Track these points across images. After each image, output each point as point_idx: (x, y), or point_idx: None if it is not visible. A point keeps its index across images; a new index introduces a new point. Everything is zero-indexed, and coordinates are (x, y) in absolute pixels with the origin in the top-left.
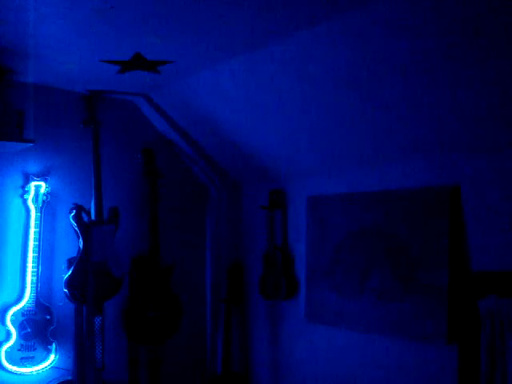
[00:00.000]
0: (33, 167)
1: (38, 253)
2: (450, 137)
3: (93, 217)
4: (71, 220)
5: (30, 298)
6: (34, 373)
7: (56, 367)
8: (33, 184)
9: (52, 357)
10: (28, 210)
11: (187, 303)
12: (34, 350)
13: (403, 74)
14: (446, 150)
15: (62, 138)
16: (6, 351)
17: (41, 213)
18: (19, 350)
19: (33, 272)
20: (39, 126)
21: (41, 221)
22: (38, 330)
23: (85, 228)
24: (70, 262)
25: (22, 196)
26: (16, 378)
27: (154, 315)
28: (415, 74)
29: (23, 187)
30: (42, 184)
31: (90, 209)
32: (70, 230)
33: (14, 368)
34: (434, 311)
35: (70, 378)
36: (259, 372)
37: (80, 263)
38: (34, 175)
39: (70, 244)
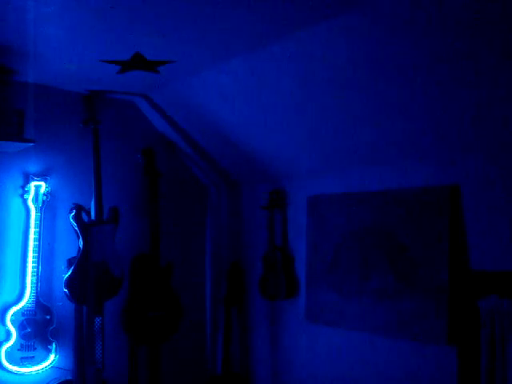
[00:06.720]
0: (33, 167)
1: (38, 253)
2: (449, 137)
3: (93, 217)
4: (71, 220)
5: (30, 297)
6: (34, 373)
7: (56, 367)
8: (33, 184)
9: (52, 357)
10: (28, 210)
11: (187, 303)
12: (34, 349)
13: (403, 73)
14: (445, 150)
15: (61, 138)
16: (6, 351)
17: (41, 213)
18: (19, 349)
19: (33, 272)
20: (39, 126)
21: (41, 221)
22: (38, 329)
23: (85, 228)
24: (70, 262)
25: (22, 196)
26: (16, 377)
27: (154, 315)
28: (415, 73)
29: (23, 187)
30: (42, 184)
31: (90, 209)
32: (70, 229)
33: (14, 368)
34: (434, 311)
35: (69, 377)
36: (259, 372)
37: (80, 263)
38: (34, 175)
39: (70, 244)
